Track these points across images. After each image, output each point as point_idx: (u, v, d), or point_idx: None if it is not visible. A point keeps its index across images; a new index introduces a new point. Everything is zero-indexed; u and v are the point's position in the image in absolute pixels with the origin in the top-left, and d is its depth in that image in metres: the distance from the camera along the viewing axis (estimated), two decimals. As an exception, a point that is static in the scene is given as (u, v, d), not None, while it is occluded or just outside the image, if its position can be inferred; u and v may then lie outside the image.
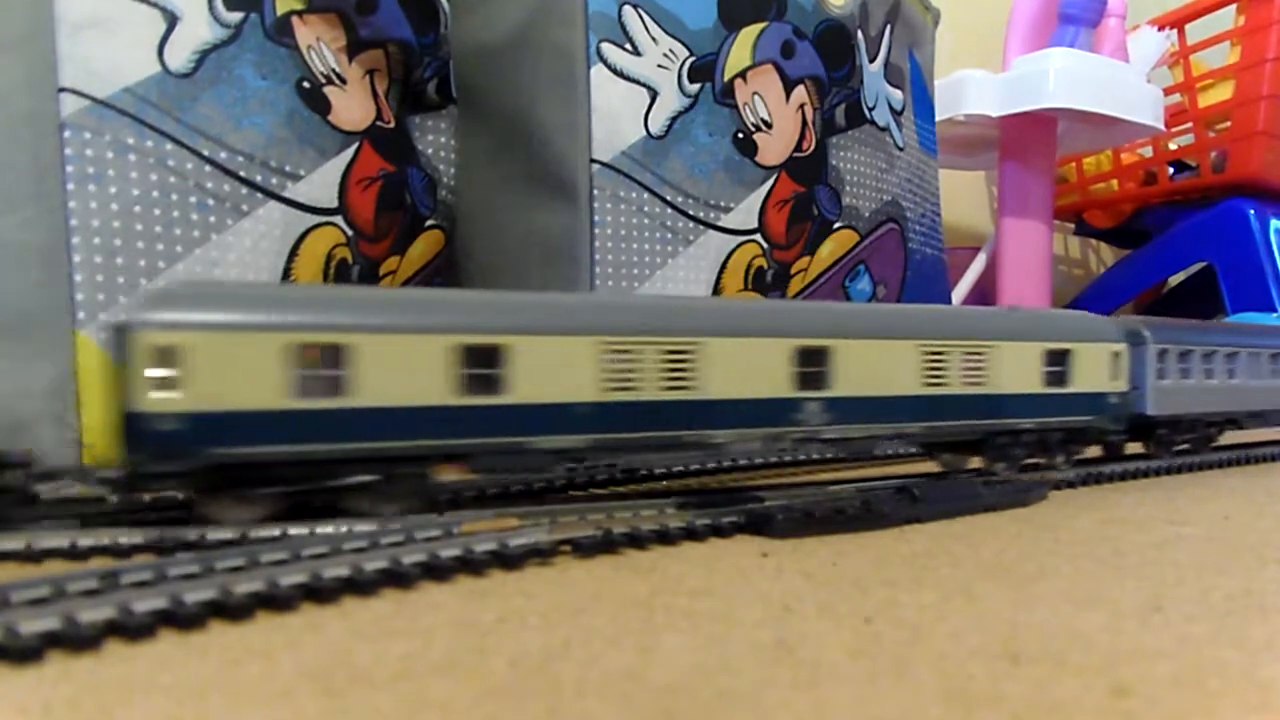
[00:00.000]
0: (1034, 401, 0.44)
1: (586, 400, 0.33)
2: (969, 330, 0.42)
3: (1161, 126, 0.87)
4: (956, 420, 0.42)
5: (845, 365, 0.38)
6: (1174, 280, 1.15)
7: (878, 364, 0.39)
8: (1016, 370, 0.43)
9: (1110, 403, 0.47)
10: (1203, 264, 1.04)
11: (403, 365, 0.31)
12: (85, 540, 0.29)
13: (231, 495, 0.30)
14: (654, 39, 0.47)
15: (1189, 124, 1.02)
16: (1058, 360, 0.45)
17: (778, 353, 0.36)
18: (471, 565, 0.28)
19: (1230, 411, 0.56)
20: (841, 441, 0.39)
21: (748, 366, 0.36)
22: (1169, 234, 1.04)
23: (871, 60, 0.58)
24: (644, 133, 0.47)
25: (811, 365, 0.37)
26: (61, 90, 0.37)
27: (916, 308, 0.43)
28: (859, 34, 0.56)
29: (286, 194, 0.42)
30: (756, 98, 0.50)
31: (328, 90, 0.44)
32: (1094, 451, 0.51)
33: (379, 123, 0.47)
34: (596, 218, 0.46)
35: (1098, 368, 0.46)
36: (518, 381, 0.32)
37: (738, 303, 0.38)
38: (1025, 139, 0.87)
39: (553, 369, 0.33)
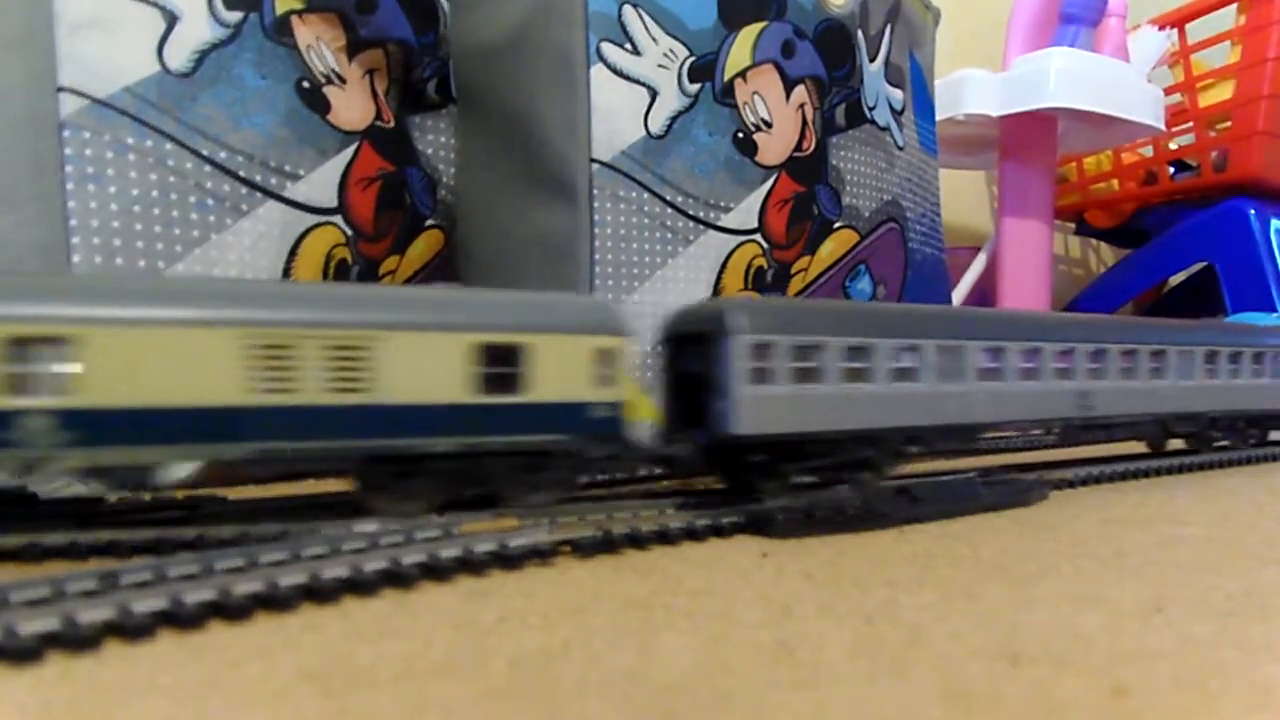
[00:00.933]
0: (453, 415, 0.32)
1: None
2: (335, 317, 0.30)
3: (1162, 126, 0.87)
4: (314, 441, 0.30)
5: (97, 362, 0.27)
6: (1174, 280, 1.15)
7: (158, 360, 0.27)
8: (421, 372, 0.31)
9: (592, 417, 0.35)
10: (1203, 264, 1.04)
11: None
12: (85, 540, 0.29)
13: None
14: (654, 39, 0.47)
15: (1189, 124, 1.02)
16: (500, 358, 0.33)
17: None
18: (471, 565, 0.28)
19: (905, 427, 0.40)
20: (105, 472, 0.28)
21: None
22: (1169, 234, 1.04)
23: (871, 60, 0.58)
24: (644, 132, 0.47)
25: (30, 363, 0.26)
26: (61, 90, 0.37)
27: (242, 281, 0.31)
28: (859, 34, 0.56)
29: (286, 194, 0.42)
30: (756, 97, 0.50)
31: (327, 90, 0.44)
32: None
33: (378, 122, 0.47)
34: (596, 217, 0.46)
35: (570, 369, 0.34)
36: None
37: None
38: (1026, 138, 0.87)
39: None
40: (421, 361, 0.31)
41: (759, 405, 0.35)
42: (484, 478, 0.34)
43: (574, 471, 0.36)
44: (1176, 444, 0.58)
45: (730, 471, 0.39)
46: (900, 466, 0.42)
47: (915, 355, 0.40)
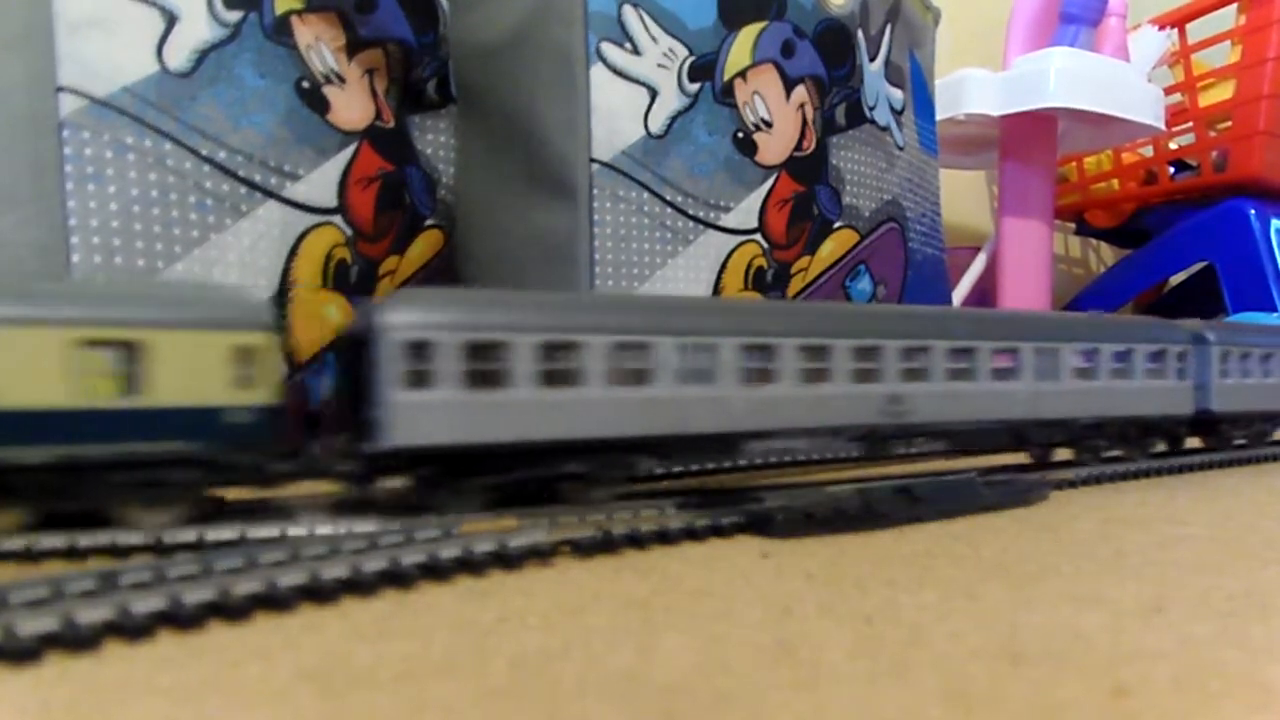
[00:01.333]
0: (46, 421, 0.28)
1: None
2: None
3: (1162, 126, 0.87)
4: None
5: None
6: (1174, 280, 1.15)
7: None
8: (5, 372, 0.28)
9: (228, 423, 0.31)
10: (1203, 264, 1.04)
11: None
12: (84, 540, 0.29)
13: None
14: (654, 38, 0.47)
15: (1190, 123, 1.02)
16: (112, 356, 0.29)
17: None
18: (471, 565, 0.28)
19: (631, 438, 0.35)
20: None
21: None
22: (1170, 234, 1.04)
23: (872, 59, 0.58)
24: (644, 132, 0.47)
25: None
26: (60, 89, 0.37)
27: None
28: (859, 33, 0.56)
29: (285, 194, 0.42)
30: (756, 97, 0.50)
31: (327, 90, 0.44)
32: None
33: (378, 122, 0.47)
34: (596, 217, 0.46)
35: (200, 369, 0.30)
36: None
37: None
38: (1026, 138, 0.87)
39: None
40: (5, 360, 0.27)
41: (418, 413, 0.31)
42: (92, 492, 0.30)
43: (205, 485, 0.31)
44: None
45: (417, 484, 0.35)
46: (627, 480, 0.37)
47: (644, 354, 0.34)
